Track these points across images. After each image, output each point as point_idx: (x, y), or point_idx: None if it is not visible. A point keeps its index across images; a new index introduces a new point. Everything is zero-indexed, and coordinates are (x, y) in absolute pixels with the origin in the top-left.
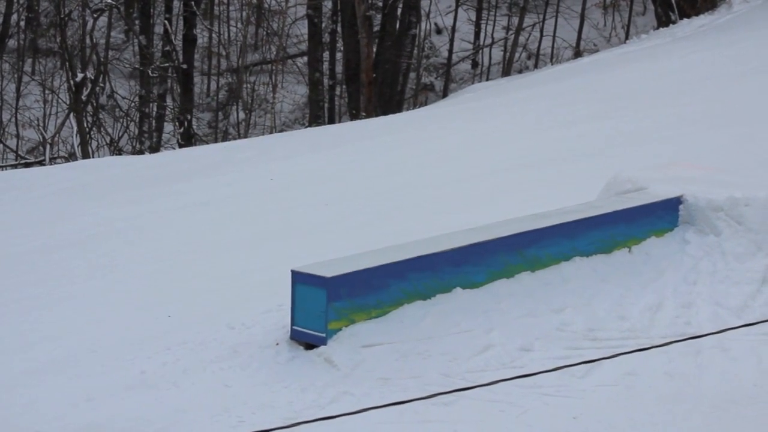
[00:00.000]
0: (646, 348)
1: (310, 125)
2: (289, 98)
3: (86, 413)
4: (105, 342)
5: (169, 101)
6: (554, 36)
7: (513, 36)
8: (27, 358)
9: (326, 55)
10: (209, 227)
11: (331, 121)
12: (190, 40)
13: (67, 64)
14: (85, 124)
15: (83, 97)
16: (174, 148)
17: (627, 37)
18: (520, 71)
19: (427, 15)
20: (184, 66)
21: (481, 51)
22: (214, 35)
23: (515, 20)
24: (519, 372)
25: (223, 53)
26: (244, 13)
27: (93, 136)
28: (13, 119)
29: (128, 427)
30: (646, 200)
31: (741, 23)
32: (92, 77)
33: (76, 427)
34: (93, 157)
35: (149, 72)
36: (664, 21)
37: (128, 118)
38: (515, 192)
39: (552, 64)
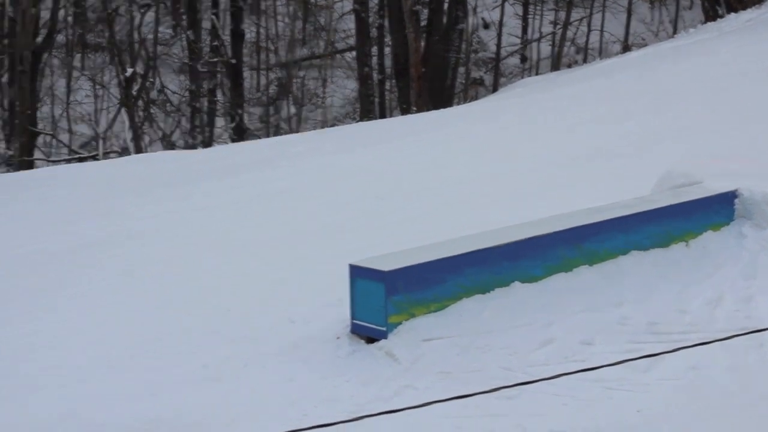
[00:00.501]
0: (708, 342)
1: (361, 120)
2: (340, 93)
3: (152, 407)
4: (166, 335)
5: (219, 96)
6: (602, 30)
7: (561, 30)
8: (90, 352)
9: (375, 49)
10: (264, 221)
11: (382, 116)
12: (238, 35)
13: (116, 59)
14: (137, 119)
15: (134, 92)
16: (226, 143)
17: (675, 32)
18: (569, 66)
19: (474, 10)
20: (233, 61)
21: (529, 46)
22: (261, 30)
23: (562, 15)
24: (581, 366)
25: (272, 48)
26: (291, 8)
27: (145, 130)
28: (65, 114)
29: (194, 421)
30: (702, 194)
31: None
32: (142, 72)
33: (142, 421)
34: (145, 152)
35: (198, 67)
36: (711, 15)
37: (179, 113)
38: (566, 187)
39: (601, 59)
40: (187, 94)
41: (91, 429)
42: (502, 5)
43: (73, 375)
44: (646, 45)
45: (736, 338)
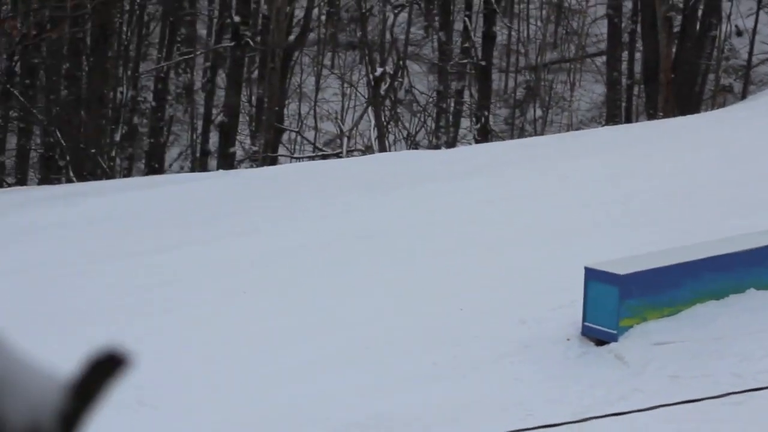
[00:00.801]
0: None
1: (606, 124)
2: (587, 97)
3: (374, 403)
4: (397, 333)
5: (466, 97)
6: None
7: None
8: (317, 348)
9: (625, 54)
10: (503, 223)
11: (628, 121)
12: (489, 37)
13: (366, 58)
14: (383, 118)
15: (382, 92)
16: (470, 144)
17: None
18: None
19: (728, 17)
20: (483, 63)
21: None
22: (513, 33)
23: None
24: None
25: (522, 51)
26: (544, 12)
27: (390, 129)
28: (312, 112)
29: (419, 417)
30: None
31: None
32: (391, 72)
33: (363, 416)
34: (390, 151)
35: (448, 68)
36: None
37: (425, 113)
38: None
39: None
40: (434, 94)
41: (317, 423)
42: (757, 13)
43: (305, 370)
44: None
45: None
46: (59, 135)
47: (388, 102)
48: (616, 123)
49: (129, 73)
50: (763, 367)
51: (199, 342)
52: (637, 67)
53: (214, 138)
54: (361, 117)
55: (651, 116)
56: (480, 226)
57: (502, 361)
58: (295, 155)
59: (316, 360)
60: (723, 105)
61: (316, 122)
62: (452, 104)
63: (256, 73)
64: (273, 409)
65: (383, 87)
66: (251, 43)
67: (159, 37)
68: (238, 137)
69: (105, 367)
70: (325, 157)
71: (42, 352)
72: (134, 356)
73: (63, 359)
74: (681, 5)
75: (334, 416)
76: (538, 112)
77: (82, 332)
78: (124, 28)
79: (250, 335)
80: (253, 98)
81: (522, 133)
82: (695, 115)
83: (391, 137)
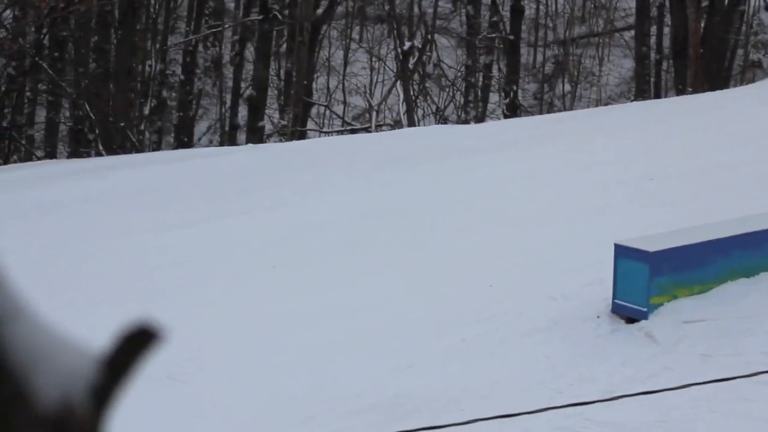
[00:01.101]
0: None
1: (635, 99)
2: (616, 72)
3: (404, 380)
4: (425, 310)
5: (495, 72)
6: None
7: None
8: (348, 326)
9: (653, 29)
10: (529, 197)
11: (657, 96)
12: (517, 11)
13: (395, 32)
14: (412, 93)
15: (410, 66)
16: (499, 119)
17: None
18: None
19: None
20: (511, 37)
21: None
22: (541, 7)
23: None
24: None
25: (550, 25)
26: None
27: (419, 104)
28: (341, 86)
29: (446, 395)
30: None
31: None
32: (419, 46)
33: (393, 392)
34: (418, 126)
35: (476, 42)
36: None
37: (454, 88)
38: None
39: None
40: (462, 69)
41: (345, 401)
42: None
43: (334, 349)
44: None
45: None
46: (88, 108)
47: (416, 76)
48: (645, 98)
49: (157, 46)
50: None
51: (225, 320)
52: (666, 42)
53: (242, 112)
54: (389, 91)
55: (680, 91)
56: (508, 201)
57: (532, 338)
58: (324, 129)
59: (345, 337)
60: (752, 80)
61: (344, 96)
62: (481, 79)
63: (284, 46)
64: (308, 388)
65: (412, 61)
66: (279, 16)
67: (187, 10)
68: (266, 111)
69: (137, 342)
70: (353, 131)
71: (67, 329)
72: (166, 331)
73: (89, 335)
74: None
75: (363, 393)
76: (567, 87)
77: (106, 310)
78: (152, 1)
79: (280, 313)
80: (282, 72)
81: (551, 108)
82: (724, 91)
83: (420, 112)
